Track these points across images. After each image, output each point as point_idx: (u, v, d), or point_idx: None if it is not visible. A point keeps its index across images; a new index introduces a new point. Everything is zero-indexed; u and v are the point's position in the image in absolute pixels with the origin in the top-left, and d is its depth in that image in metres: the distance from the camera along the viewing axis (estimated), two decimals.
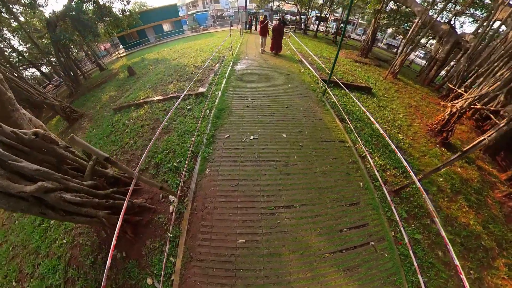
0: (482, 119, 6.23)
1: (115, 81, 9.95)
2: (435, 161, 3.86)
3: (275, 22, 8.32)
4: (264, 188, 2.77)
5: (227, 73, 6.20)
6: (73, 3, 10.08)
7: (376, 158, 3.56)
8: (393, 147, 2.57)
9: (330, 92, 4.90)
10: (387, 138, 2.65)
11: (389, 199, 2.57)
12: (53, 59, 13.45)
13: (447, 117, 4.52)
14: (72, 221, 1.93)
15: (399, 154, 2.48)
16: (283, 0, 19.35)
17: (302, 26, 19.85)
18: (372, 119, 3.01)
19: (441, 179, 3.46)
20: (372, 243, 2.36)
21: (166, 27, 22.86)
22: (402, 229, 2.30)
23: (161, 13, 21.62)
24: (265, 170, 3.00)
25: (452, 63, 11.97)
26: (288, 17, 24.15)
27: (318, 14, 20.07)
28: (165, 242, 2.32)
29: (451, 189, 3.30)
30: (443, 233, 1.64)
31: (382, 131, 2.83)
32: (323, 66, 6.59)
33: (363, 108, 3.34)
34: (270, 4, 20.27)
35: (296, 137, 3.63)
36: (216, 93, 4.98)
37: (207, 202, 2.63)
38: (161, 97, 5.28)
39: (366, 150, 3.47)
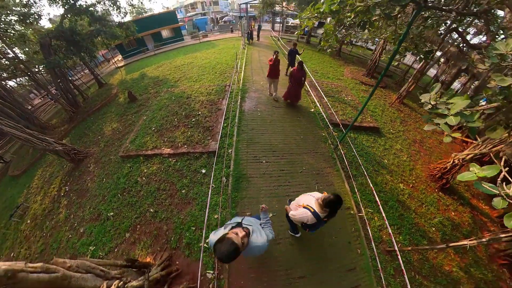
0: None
1: (116, 106, 9.67)
2: (431, 209, 4.20)
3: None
4: (284, 264, 3.19)
5: (237, 117, 6.10)
6: (64, 24, 9.58)
7: (375, 218, 3.85)
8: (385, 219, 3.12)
9: (341, 149, 5.01)
10: (379, 206, 3.25)
11: (378, 262, 3.07)
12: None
13: (448, 166, 4.62)
14: None
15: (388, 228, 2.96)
16: (285, 6, 18.79)
17: (305, 31, 19.42)
18: (372, 186, 3.72)
19: (433, 229, 3.83)
20: None
21: (165, 33, 22.03)
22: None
23: (159, 20, 20.75)
24: (284, 248, 3.37)
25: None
26: (290, 21, 23.56)
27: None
28: None
29: (441, 238, 3.69)
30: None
31: (377, 198, 3.36)
32: (332, 110, 6.59)
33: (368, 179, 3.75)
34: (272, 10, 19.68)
35: None
36: (229, 151, 4.91)
37: (240, 278, 3.01)
38: (171, 151, 5.18)
39: (368, 211, 3.85)
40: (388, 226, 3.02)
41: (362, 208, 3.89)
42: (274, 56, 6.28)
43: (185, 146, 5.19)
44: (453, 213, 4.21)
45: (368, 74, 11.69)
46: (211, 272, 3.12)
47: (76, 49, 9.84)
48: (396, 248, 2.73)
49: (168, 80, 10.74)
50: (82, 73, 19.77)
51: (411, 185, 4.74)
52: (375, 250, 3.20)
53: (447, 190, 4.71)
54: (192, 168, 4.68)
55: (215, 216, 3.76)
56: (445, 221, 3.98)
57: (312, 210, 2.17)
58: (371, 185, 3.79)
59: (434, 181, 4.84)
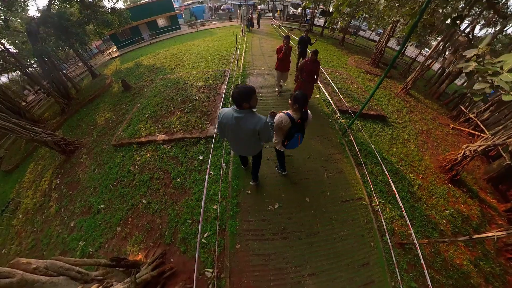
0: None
1: (109, 96, 9.21)
2: (441, 201, 4.07)
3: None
4: (292, 260, 2.87)
5: None
6: (52, 9, 8.98)
7: (387, 209, 3.62)
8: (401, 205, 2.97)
9: (350, 134, 4.68)
10: (397, 197, 3.01)
11: (393, 256, 2.84)
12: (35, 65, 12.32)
13: (459, 158, 4.45)
14: None
15: (407, 220, 2.71)
16: None
17: (307, 20, 18.54)
18: (387, 174, 3.31)
19: (444, 221, 3.72)
20: None
21: (161, 22, 21.15)
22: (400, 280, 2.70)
23: (155, 8, 19.85)
24: (292, 242, 3.04)
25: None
26: (291, 10, 22.51)
27: (323, 8, 18.50)
28: None
29: (452, 231, 3.60)
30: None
31: (393, 187, 3.04)
32: (340, 97, 6.16)
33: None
34: None
35: (318, 201, 3.53)
36: None
37: (243, 277, 2.70)
38: (165, 137, 4.74)
39: (379, 202, 3.58)
40: (407, 219, 2.70)
41: (376, 199, 3.59)
42: (284, 43, 4.93)
43: (181, 131, 4.74)
44: (462, 205, 4.12)
45: (373, 63, 11.19)
46: (210, 270, 2.75)
47: (65, 37, 9.26)
48: (416, 242, 2.43)
49: (164, 68, 10.23)
50: (76, 66, 19.13)
51: (421, 175, 4.57)
52: (389, 243, 2.99)
53: (456, 182, 4.58)
54: (188, 155, 4.25)
55: (214, 207, 3.36)
56: (455, 214, 3.87)
57: (286, 112, 2.54)
58: (386, 172, 3.40)
59: (444, 173, 4.70)
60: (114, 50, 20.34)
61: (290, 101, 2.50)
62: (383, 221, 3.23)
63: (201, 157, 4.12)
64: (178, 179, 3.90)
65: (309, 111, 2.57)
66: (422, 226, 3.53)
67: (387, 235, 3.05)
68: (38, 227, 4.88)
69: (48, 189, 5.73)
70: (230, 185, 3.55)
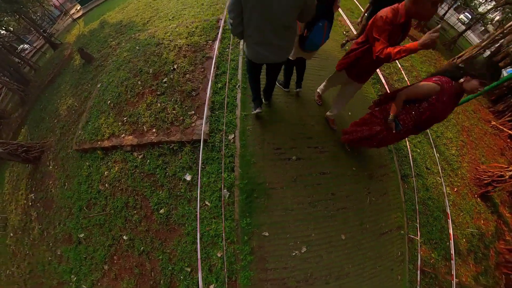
0: None
1: (70, 73, 7.21)
2: (467, 218, 3.62)
3: None
4: None
5: (240, 69, 3.64)
6: None
7: (420, 233, 2.98)
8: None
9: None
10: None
11: None
12: None
13: (507, 176, 3.77)
14: None
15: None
16: None
17: None
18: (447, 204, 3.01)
19: (464, 240, 3.43)
20: None
21: None
22: None
23: None
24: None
25: None
26: None
27: None
28: None
29: (467, 250, 3.33)
30: None
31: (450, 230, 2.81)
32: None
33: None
34: None
35: (355, 237, 2.66)
36: (230, 137, 2.76)
37: None
38: (134, 139, 3.16)
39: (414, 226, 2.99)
40: (453, 268, 2.44)
41: (418, 230, 2.88)
42: None
43: (154, 129, 3.07)
44: (482, 221, 3.81)
45: (418, 25, 8.67)
46: None
47: None
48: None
49: (134, 24, 7.57)
50: (37, 38, 15.86)
51: (455, 188, 3.90)
52: (418, 278, 2.62)
53: (485, 197, 4.08)
54: (169, 172, 2.75)
55: (218, 255, 2.23)
56: (475, 232, 3.55)
57: None
58: (447, 203, 2.90)
59: (478, 186, 4.12)
60: (78, 9, 16.21)
61: None
62: (419, 255, 2.76)
63: (188, 178, 2.61)
64: (161, 211, 2.60)
65: None
66: (445, 248, 3.07)
67: (418, 271, 2.68)
68: (29, 250, 4.37)
69: (26, 205, 4.93)
70: (239, 225, 2.24)
